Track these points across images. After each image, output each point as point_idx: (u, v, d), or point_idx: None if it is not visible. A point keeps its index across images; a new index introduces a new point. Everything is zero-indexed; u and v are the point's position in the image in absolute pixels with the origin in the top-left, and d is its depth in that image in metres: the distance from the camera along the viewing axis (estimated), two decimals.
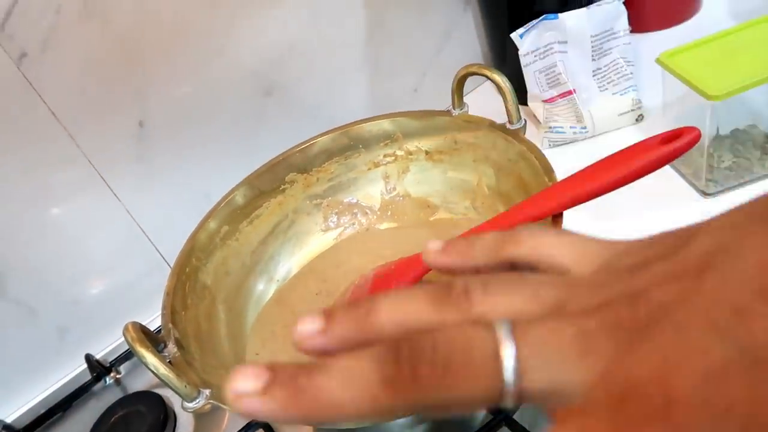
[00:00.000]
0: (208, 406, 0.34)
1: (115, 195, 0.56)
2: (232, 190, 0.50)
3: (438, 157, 0.52)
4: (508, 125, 0.46)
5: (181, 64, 0.56)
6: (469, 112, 0.50)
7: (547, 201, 0.38)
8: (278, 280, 0.52)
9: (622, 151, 0.38)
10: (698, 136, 0.35)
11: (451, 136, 0.51)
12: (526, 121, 0.46)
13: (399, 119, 0.52)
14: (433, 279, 0.45)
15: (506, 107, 0.45)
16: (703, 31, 0.54)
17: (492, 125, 0.47)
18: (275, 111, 0.63)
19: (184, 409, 0.34)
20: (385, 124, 0.53)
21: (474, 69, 0.47)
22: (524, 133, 0.45)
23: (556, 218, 0.37)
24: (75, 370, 0.58)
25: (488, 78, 0.45)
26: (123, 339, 0.58)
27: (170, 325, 0.40)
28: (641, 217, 0.52)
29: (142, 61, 0.53)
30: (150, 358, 0.33)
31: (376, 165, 0.55)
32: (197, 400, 0.34)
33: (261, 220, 0.52)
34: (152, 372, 0.33)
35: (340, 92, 0.69)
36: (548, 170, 0.40)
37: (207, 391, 0.34)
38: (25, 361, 0.56)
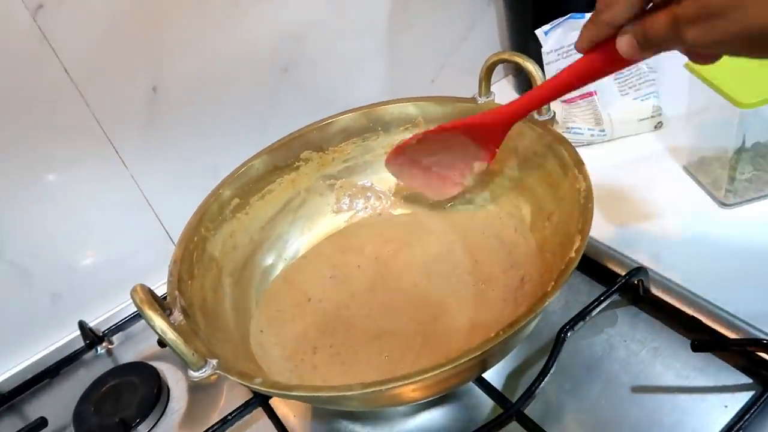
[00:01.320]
0: (215, 376, 0.32)
1: (121, 160, 0.54)
2: (248, 161, 0.49)
3: None
4: (536, 116, 0.45)
5: (200, 32, 0.54)
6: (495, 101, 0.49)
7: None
8: (286, 259, 0.51)
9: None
10: None
11: None
12: (555, 113, 0.45)
13: (422, 104, 0.51)
14: None
15: None
16: None
17: None
18: (290, 89, 0.62)
19: (190, 377, 0.32)
20: (408, 108, 0.52)
21: (506, 56, 0.46)
22: (553, 125, 0.44)
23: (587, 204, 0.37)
24: (66, 336, 0.56)
25: (520, 66, 0.44)
26: (117, 309, 0.58)
27: (177, 293, 0.38)
28: (657, 224, 0.52)
29: (161, 25, 0.52)
30: (158, 321, 0.31)
31: None
32: (204, 369, 0.32)
33: (273, 195, 0.51)
34: (160, 336, 0.31)
35: (356, 76, 0.67)
36: (578, 162, 0.39)
37: (214, 361, 0.33)
38: (16, 323, 0.54)
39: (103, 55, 0.50)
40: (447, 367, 0.29)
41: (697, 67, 0.51)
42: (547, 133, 0.43)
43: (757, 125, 0.50)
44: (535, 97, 0.40)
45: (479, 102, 0.49)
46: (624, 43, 0.30)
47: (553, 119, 0.44)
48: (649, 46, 0.29)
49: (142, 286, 0.33)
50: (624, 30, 0.30)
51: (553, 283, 0.32)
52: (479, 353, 0.30)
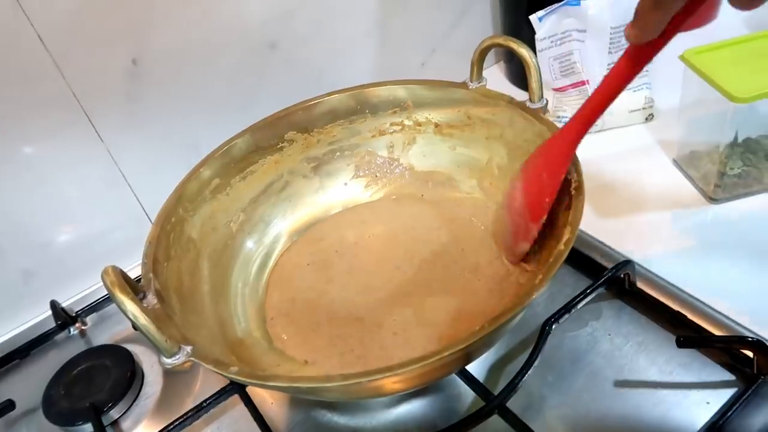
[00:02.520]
0: (189, 363, 0.31)
1: (98, 135, 0.52)
2: (231, 140, 0.47)
3: (448, 131, 0.50)
4: (528, 103, 0.44)
5: (185, 4, 0.52)
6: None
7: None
8: (267, 243, 0.49)
9: None
10: None
11: (465, 111, 0.49)
12: (547, 101, 0.44)
13: (412, 87, 0.50)
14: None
15: (530, 84, 0.43)
16: (719, 36, 0.53)
17: (511, 102, 0.45)
18: (277, 67, 0.60)
19: (163, 364, 0.31)
20: (397, 91, 0.50)
21: (500, 40, 0.44)
22: (545, 114, 0.43)
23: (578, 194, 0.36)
24: (38, 316, 0.54)
25: (514, 51, 0.43)
26: (91, 288, 0.56)
27: (151, 275, 0.37)
28: (645, 218, 0.51)
29: None
30: (130, 305, 0.30)
31: (382, 133, 0.52)
32: (177, 356, 0.31)
33: (255, 177, 0.49)
34: (131, 321, 0.30)
35: (345, 56, 0.66)
36: None
37: (188, 348, 0.31)
38: None
39: (81, 24, 0.48)
40: (430, 360, 0.28)
41: (692, 59, 0.50)
42: (539, 121, 0.42)
43: (750, 120, 0.50)
44: (589, 113, 0.38)
45: (471, 87, 0.48)
46: None
47: (545, 107, 0.43)
48: None
49: (114, 268, 0.31)
50: None
51: (540, 276, 0.31)
52: (463, 346, 0.29)
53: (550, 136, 0.41)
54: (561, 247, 0.32)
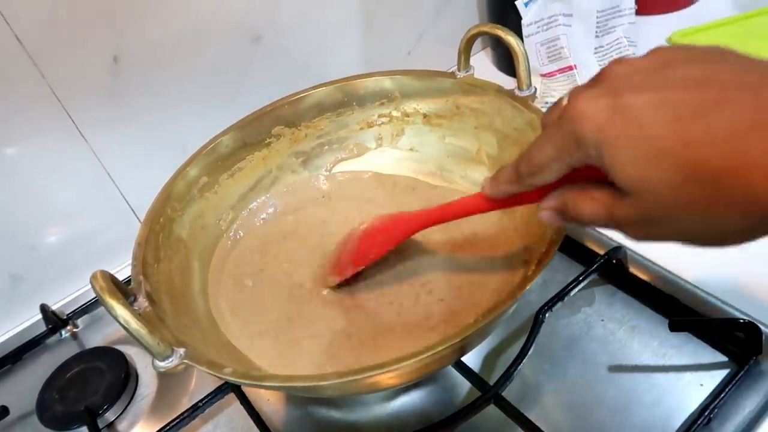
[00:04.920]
0: (182, 366, 0.31)
1: (81, 135, 0.51)
2: (216, 137, 0.46)
3: (437, 122, 0.50)
4: (517, 92, 0.43)
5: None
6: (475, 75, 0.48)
7: None
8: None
9: None
10: None
11: (453, 100, 0.48)
12: (536, 89, 0.43)
13: (399, 77, 0.49)
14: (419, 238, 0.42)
15: (518, 72, 0.43)
16: (706, 17, 0.53)
17: (500, 90, 0.45)
18: (262, 59, 0.59)
19: (156, 368, 0.31)
20: (384, 82, 0.49)
21: (486, 29, 0.44)
22: (534, 101, 0.43)
23: None
24: (28, 320, 0.54)
25: (501, 40, 0.42)
26: (82, 290, 0.55)
27: (141, 277, 0.36)
28: None
29: None
30: (120, 310, 0.29)
31: (370, 125, 0.51)
32: (170, 359, 0.31)
33: (243, 173, 0.48)
34: (122, 326, 0.29)
35: (331, 47, 0.65)
36: None
37: (181, 350, 0.31)
38: None
39: (59, 22, 0.47)
40: (425, 356, 0.28)
41: (679, 41, 0.50)
42: (528, 109, 0.42)
43: None
44: (426, 219, 0.39)
45: (458, 76, 0.47)
46: (547, 217, 0.28)
47: (534, 95, 0.43)
48: (577, 223, 0.27)
49: (102, 272, 0.31)
50: (549, 204, 0.28)
51: (533, 267, 0.31)
52: (458, 340, 0.29)
53: (539, 124, 0.41)
54: (553, 236, 0.32)
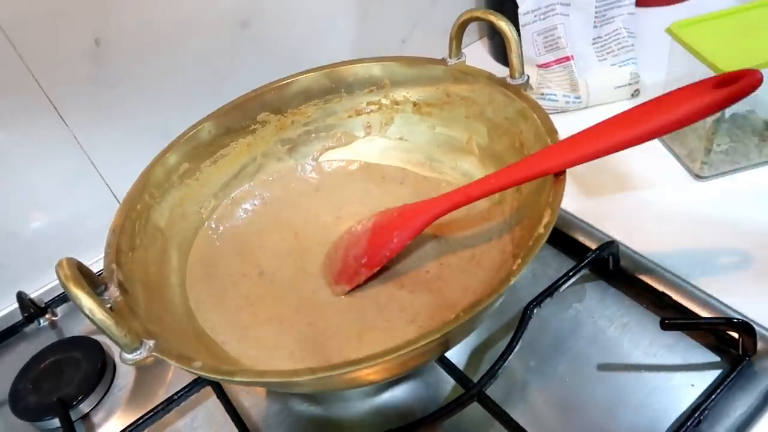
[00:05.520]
0: (151, 359, 0.30)
1: (63, 120, 0.50)
2: (198, 123, 0.45)
3: (427, 110, 0.48)
4: (509, 80, 0.42)
5: None
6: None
7: (552, 157, 0.34)
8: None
9: (664, 96, 0.33)
10: (760, 80, 0.31)
11: (444, 88, 0.47)
12: (528, 77, 0.42)
13: (388, 64, 0.48)
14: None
15: (510, 59, 0.41)
16: (706, 9, 0.51)
17: (491, 78, 0.43)
18: (250, 45, 0.57)
19: (123, 360, 0.30)
20: (374, 68, 0.48)
21: (478, 14, 0.42)
22: (526, 90, 0.41)
23: (558, 176, 0.34)
24: (5, 309, 0.52)
25: (493, 25, 0.41)
26: None
27: (113, 266, 0.35)
28: (631, 197, 0.50)
29: None
30: (85, 300, 0.28)
31: (358, 113, 0.50)
32: (138, 351, 0.29)
33: (226, 160, 0.47)
34: (87, 316, 0.28)
35: (322, 34, 0.63)
36: (551, 131, 0.37)
37: (150, 342, 0.30)
38: None
39: (37, 3, 0.45)
40: (403, 351, 0.27)
41: (679, 32, 0.49)
42: (520, 98, 0.41)
43: None
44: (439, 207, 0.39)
45: (449, 63, 0.46)
46: None
47: (526, 84, 0.42)
48: None
49: (69, 260, 0.30)
50: None
51: (519, 261, 0.29)
52: (438, 336, 0.28)
53: (532, 113, 0.39)
54: (541, 230, 0.31)
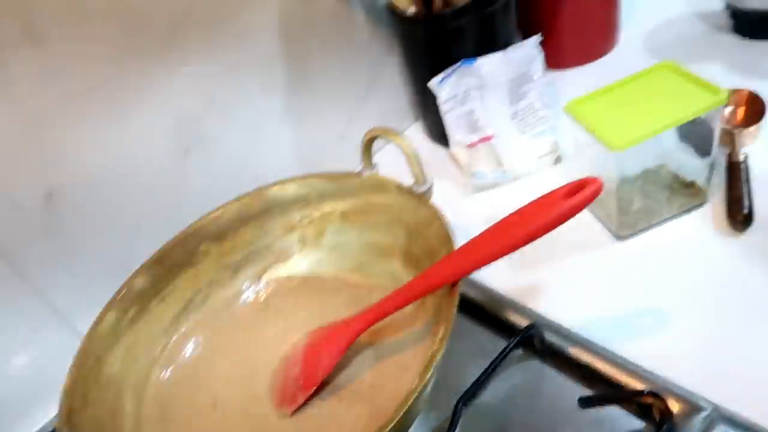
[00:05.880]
0: None
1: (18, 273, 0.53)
2: (132, 277, 0.48)
3: (353, 218, 0.52)
4: (415, 188, 0.46)
5: (91, 132, 0.53)
6: (380, 172, 0.50)
7: (444, 270, 0.38)
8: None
9: (524, 208, 0.38)
10: (600, 188, 0.36)
11: (364, 198, 0.50)
12: (432, 185, 0.46)
13: (311, 181, 0.52)
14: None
15: (412, 171, 0.45)
16: (620, 66, 0.55)
17: (399, 188, 0.47)
18: (195, 171, 0.61)
19: None
20: (299, 187, 0.52)
21: (379, 132, 0.47)
22: (431, 196, 0.45)
23: (454, 285, 0.37)
24: None
25: (393, 142, 0.45)
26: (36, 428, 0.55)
27: (65, 429, 0.37)
28: (557, 265, 0.53)
29: (45, 131, 0.50)
30: None
31: (293, 228, 0.54)
32: None
33: (173, 296, 0.50)
34: None
35: (263, 147, 0.67)
36: (447, 239, 0.40)
37: None
38: None
39: None
40: None
41: (572, 110, 0.53)
42: (424, 206, 0.44)
43: (636, 157, 0.52)
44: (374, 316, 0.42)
45: (364, 175, 0.50)
46: None
47: (429, 191, 0.45)
48: None
49: None
50: None
51: (417, 381, 0.32)
52: None
53: (436, 220, 0.43)
54: (434, 346, 0.34)
